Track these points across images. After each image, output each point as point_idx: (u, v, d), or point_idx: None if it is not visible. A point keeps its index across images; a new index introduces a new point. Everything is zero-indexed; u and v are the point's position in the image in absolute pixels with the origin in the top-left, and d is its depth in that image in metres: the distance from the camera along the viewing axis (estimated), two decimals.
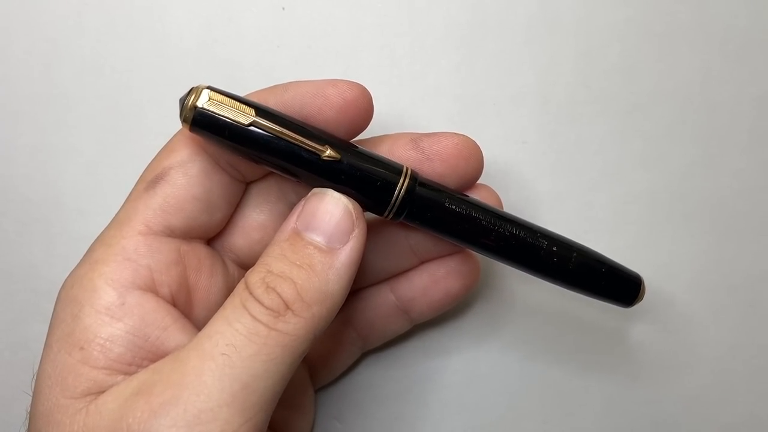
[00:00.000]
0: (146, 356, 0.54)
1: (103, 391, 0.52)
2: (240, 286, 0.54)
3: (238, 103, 0.59)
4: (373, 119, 1.00)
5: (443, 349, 1.02)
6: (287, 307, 0.51)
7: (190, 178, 0.65)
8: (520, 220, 0.73)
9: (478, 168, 0.76)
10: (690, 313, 0.99)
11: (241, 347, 0.48)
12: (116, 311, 0.56)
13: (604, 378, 1.00)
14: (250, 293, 0.52)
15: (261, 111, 0.59)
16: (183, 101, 0.61)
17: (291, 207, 0.62)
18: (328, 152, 0.59)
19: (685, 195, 0.99)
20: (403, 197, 0.63)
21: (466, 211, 0.68)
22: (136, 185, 0.71)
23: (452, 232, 0.70)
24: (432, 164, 0.71)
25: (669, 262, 0.99)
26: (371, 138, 0.77)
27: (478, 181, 0.79)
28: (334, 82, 0.63)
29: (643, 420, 1.00)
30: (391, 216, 0.65)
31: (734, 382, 0.99)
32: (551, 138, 0.99)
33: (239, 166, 0.67)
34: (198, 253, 0.66)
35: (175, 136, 0.72)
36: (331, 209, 0.58)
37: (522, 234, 0.71)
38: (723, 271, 0.99)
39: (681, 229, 0.99)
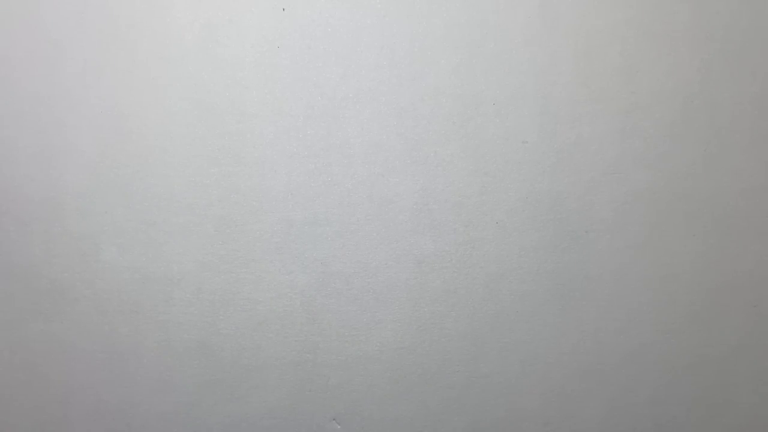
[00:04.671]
0: None
1: None
2: None
3: None
4: (374, 120, 1.00)
5: (443, 348, 1.02)
6: None
7: None
8: None
9: None
10: (691, 313, 0.99)
11: None
12: None
13: (605, 379, 1.00)
14: None
15: None
16: None
17: None
18: None
19: (686, 195, 0.99)
20: None
21: None
22: None
23: None
24: None
25: (669, 262, 0.99)
26: None
27: None
28: None
29: (646, 421, 1.00)
30: None
31: (737, 383, 0.99)
32: (551, 138, 0.99)
33: None
34: None
35: None
36: None
37: None
38: (724, 271, 0.98)
39: (681, 229, 0.99)
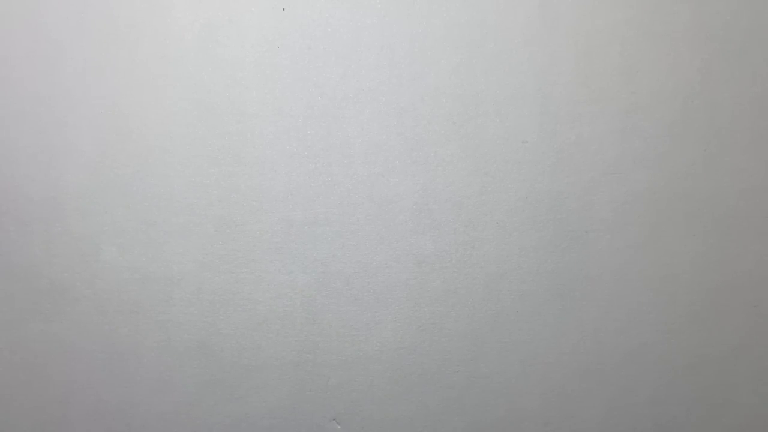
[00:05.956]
0: None
1: None
2: None
3: None
4: (374, 120, 1.01)
5: (443, 348, 1.02)
6: None
7: None
8: None
9: None
10: (691, 313, 0.99)
11: None
12: None
13: (605, 379, 1.00)
14: None
15: None
16: None
17: None
18: None
19: (686, 195, 0.98)
20: None
21: None
22: None
23: None
24: None
25: (669, 262, 0.99)
26: None
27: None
28: None
29: (646, 421, 1.00)
30: None
31: (737, 383, 0.99)
32: (551, 138, 0.99)
33: None
34: None
35: None
36: None
37: None
38: (724, 271, 0.98)
39: (681, 229, 0.99)
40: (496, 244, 0.99)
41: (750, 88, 0.97)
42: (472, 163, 0.99)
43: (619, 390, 1.00)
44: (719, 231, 0.98)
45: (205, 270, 1.03)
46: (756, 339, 0.98)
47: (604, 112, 0.98)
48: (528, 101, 0.99)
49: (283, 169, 1.02)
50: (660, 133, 0.98)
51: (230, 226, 1.02)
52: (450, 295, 1.01)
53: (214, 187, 1.02)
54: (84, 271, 1.03)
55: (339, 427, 1.03)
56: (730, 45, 0.98)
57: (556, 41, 0.98)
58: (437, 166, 1.00)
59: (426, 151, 1.00)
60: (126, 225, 1.03)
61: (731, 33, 0.98)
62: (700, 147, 0.98)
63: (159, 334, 1.04)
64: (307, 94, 1.01)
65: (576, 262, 0.99)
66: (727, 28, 0.97)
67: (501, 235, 0.99)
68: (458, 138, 0.99)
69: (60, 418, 1.05)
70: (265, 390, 1.04)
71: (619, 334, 0.99)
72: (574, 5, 0.98)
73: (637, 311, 0.99)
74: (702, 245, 0.98)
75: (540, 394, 1.00)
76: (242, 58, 1.00)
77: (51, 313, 1.04)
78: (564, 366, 1.00)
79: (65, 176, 1.02)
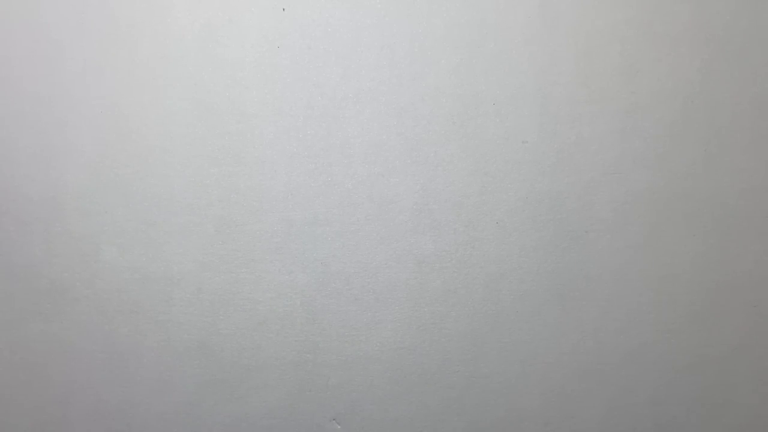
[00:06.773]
0: None
1: None
2: None
3: None
4: (374, 120, 1.01)
5: (443, 348, 1.02)
6: None
7: None
8: None
9: None
10: (691, 313, 0.99)
11: None
12: None
13: (605, 379, 1.00)
14: None
15: None
16: None
17: None
18: None
19: (686, 195, 0.99)
20: None
21: None
22: None
23: None
24: None
25: (669, 262, 0.99)
26: None
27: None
28: None
29: (646, 421, 1.00)
30: None
31: (737, 383, 0.99)
32: (551, 138, 0.99)
33: None
34: None
35: None
36: None
37: None
38: (724, 271, 0.98)
39: (681, 229, 0.99)
40: (496, 244, 0.99)
41: (750, 88, 0.97)
42: (472, 163, 0.99)
43: (619, 390, 1.00)
44: (719, 231, 0.98)
45: (205, 270, 1.03)
46: (756, 339, 0.98)
47: (604, 112, 0.98)
48: (528, 101, 0.99)
49: (283, 169, 1.02)
50: (660, 133, 0.98)
51: (230, 226, 1.02)
52: (450, 295, 1.01)
53: (214, 187, 1.02)
54: (84, 271, 1.03)
55: (339, 427, 1.03)
56: (730, 45, 0.98)
57: (556, 41, 0.98)
58: (437, 166, 1.00)
59: (426, 151, 1.00)
60: (126, 225, 1.03)
61: (731, 33, 0.98)
62: (700, 147, 0.98)
63: (159, 334, 1.04)
64: (307, 94, 1.01)
65: (576, 262, 0.99)
66: (727, 28, 0.98)
67: (501, 235, 0.99)
68: (458, 138, 0.99)
69: (60, 418, 1.05)
70: (265, 390, 1.04)
71: (619, 334, 1.00)
72: (574, 5, 0.98)
73: (637, 311, 0.99)
74: (702, 245, 0.98)
75: (540, 394, 1.01)
76: (242, 58, 1.00)
77: (51, 313, 1.04)
78: (564, 366, 1.00)
79: (65, 176, 1.02)
